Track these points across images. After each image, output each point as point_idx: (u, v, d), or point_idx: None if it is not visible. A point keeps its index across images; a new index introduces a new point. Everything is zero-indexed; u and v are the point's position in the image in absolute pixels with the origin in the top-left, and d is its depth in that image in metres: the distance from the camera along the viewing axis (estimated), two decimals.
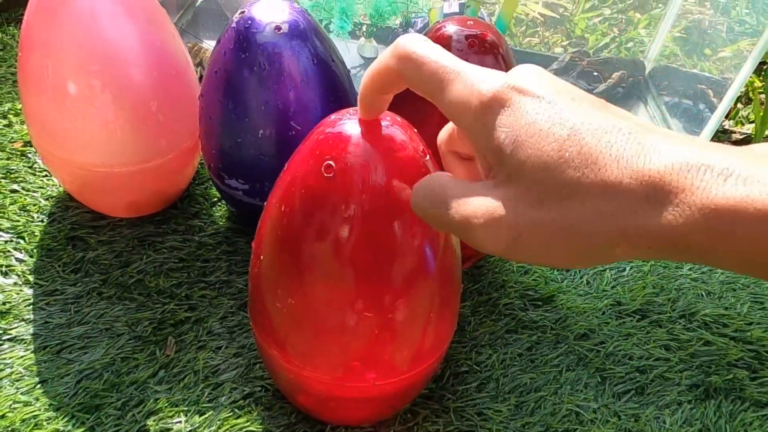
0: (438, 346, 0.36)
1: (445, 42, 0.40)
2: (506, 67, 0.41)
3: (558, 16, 0.93)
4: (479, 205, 0.23)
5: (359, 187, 0.29)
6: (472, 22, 0.41)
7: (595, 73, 0.76)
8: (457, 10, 0.68)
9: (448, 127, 0.29)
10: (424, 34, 0.43)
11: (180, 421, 0.40)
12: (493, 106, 0.23)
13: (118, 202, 0.51)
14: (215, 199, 0.55)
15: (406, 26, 0.73)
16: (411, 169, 0.29)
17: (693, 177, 0.20)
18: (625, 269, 0.54)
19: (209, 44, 0.68)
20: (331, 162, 0.29)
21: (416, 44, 0.25)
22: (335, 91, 0.45)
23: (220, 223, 0.53)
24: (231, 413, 0.41)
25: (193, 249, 0.51)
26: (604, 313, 0.50)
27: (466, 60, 0.38)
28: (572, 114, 0.22)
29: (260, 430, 0.40)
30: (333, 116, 0.31)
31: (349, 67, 0.49)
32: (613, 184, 0.20)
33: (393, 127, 0.30)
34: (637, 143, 0.21)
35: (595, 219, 0.21)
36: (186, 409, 0.41)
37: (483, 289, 0.51)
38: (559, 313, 0.50)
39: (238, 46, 0.42)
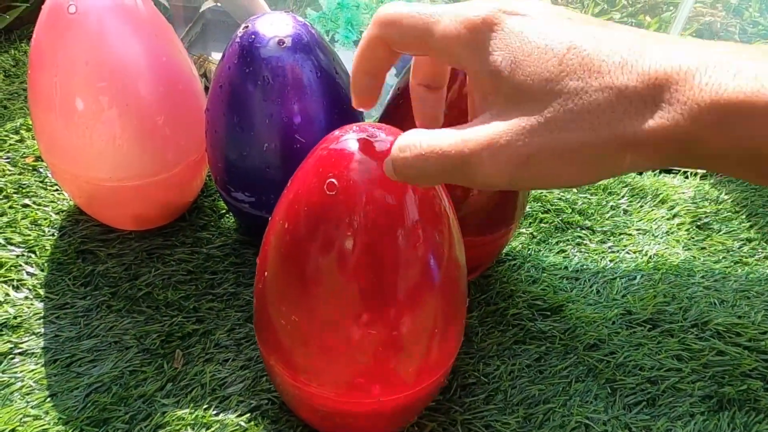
0: (444, 361, 0.35)
1: None
2: None
3: None
4: (480, 139, 0.21)
5: (362, 203, 0.29)
6: None
7: None
8: None
9: (415, 60, 0.28)
10: None
11: None
12: (484, 29, 0.22)
13: (127, 215, 0.52)
14: (223, 211, 0.56)
15: None
16: None
17: (701, 75, 0.19)
18: (635, 278, 0.54)
19: (217, 57, 0.69)
20: (333, 180, 0.29)
21: (392, 5, 0.24)
22: (340, 102, 0.45)
23: (228, 235, 0.54)
24: (237, 426, 0.41)
25: (201, 261, 0.51)
26: (614, 322, 0.50)
27: None
28: (570, 30, 0.21)
29: None
30: (337, 132, 0.31)
31: None
32: (619, 88, 0.20)
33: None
34: (640, 48, 0.20)
35: (604, 128, 0.20)
36: (193, 422, 0.41)
37: (490, 299, 0.50)
38: (568, 323, 0.49)
39: (242, 61, 0.42)
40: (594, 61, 0.20)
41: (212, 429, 0.40)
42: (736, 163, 0.20)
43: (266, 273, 0.33)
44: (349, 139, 0.30)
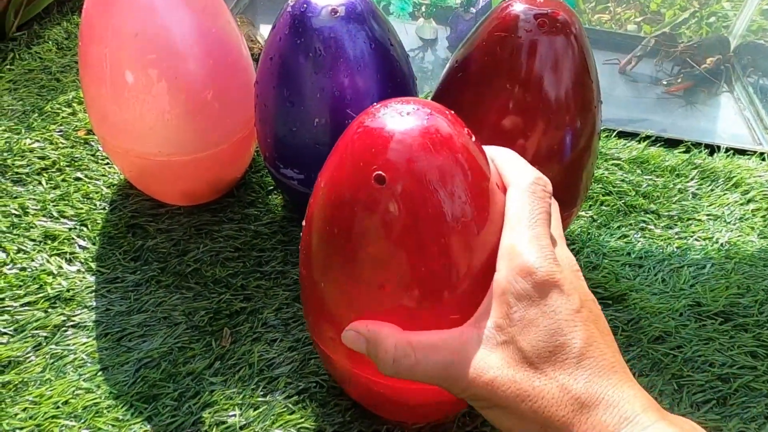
0: None
1: (512, 23, 0.37)
2: (579, 48, 0.38)
3: None
4: (478, 359, 0.26)
5: (405, 190, 0.27)
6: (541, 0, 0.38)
7: (686, 59, 0.70)
8: None
9: None
10: (489, 14, 0.40)
11: (234, 415, 0.40)
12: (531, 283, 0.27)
13: (175, 190, 0.51)
14: (270, 188, 0.55)
15: (468, 6, 0.69)
16: (463, 156, 0.27)
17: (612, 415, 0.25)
18: (705, 267, 0.50)
19: (266, 29, 0.67)
20: (381, 172, 0.27)
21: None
22: (393, 76, 0.43)
23: (276, 211, 0.53)
24: (285, 408, 0.40)
25: (249, 238, 0.50)
26: (681, 314, 0.46)
27: (536, 41, 0.35)
28: (578, 328, 0.26)
29: (314, 427, 0.39)
30: (377, 105, 0.29)
31: (407, 49, 0.46)
32: (565, 388, 0.25)
33: (438, 118, 0.28)
34: (613, 366, 0.26)
35: (547, 409, 0.25)
36: (241, 402, 0.40)
37: None
38: (631, 314, 0.46)
39: (294, 32, 0.40)
40: (571, 361, 0.26)
41: (260, 410, 0.40)
42: None
43: (312, 253, 0.32)
44: (386, 115, 0.28)
